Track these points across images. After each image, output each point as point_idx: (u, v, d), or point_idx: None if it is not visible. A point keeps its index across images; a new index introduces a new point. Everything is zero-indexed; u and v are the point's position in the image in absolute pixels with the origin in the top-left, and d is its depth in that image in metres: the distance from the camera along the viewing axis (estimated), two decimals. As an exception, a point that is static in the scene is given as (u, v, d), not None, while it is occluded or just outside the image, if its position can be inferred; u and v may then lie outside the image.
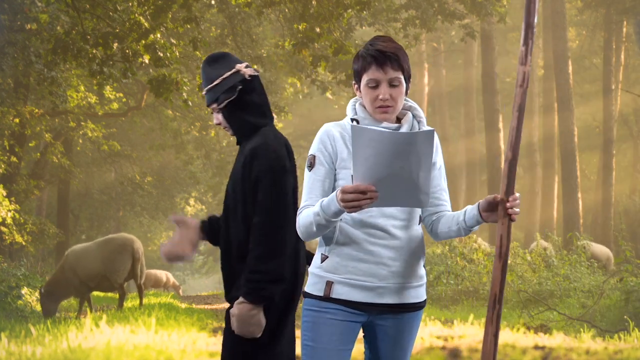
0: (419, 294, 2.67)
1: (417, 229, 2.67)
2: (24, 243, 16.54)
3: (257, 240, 2.88)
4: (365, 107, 2.64)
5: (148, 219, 31.90)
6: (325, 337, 2.59)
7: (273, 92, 20.59)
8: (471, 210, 2.65)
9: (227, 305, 3.06)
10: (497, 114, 23.10)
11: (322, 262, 2.63)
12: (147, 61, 11.86)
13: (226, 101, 3.00)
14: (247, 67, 3.05)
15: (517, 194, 2.62)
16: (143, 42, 11.61)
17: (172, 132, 25.20)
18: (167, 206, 30.75)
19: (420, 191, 2.40)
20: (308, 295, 2.65)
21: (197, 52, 13.02)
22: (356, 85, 2.65)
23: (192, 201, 37.16)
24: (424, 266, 2.71)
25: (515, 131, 2.56)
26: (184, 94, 12.13)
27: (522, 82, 2.53)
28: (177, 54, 12.69)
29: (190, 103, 12.47)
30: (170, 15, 12.38)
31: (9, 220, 13.93)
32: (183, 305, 13.58)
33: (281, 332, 2.99)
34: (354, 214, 2.56)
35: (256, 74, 3.07)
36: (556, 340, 6.76)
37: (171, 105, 16.21)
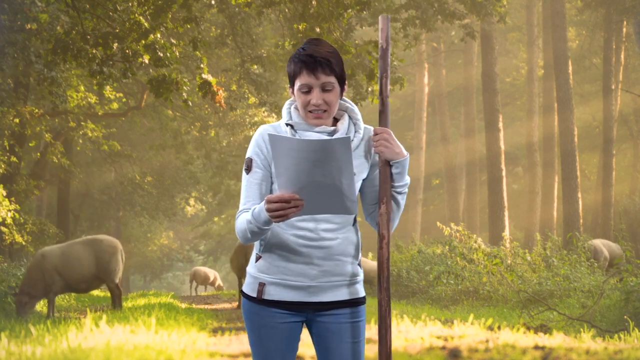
0: (354, 291, 2.68)
1: (352, 230, 2.67)
2: (24, 243, 16.54)
3: None
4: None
5: (148, 219, 31.90)
6: (266, 340, 2.63)
7: (273, 92, 20.58)
8: None
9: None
10: (497, 113, 23.10)
11: (256, 262, 2.66)
12: (147, 61, 11.86)
13: None
14: None
15: (382, 128, 2.61)
16: (143, 42, 11.61)
17: (172, 132, 25.21)
18: (167, 206, 30.75)
19: (345, 197, 2.41)
20: (245, 295, 2.69)
21: (197, 52, 13.01)
22: (291, 89, 2.65)
23: (192, 201, 37.16)
24: (359, 265, 2.72)
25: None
26: (184, 94, 12.12)
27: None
28: (177, 54, 12.69)
29: (190, 103, 12.46)
30: (170, 16, 12.37)
31: (9, 220, 13.93)
32: (183, 305, 13.58)
33: None
34: None
35: None
36: (556, 340, 6.76)
37: (171, 105, 16.21)
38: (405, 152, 2.62)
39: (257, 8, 13.73)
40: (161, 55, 11.63)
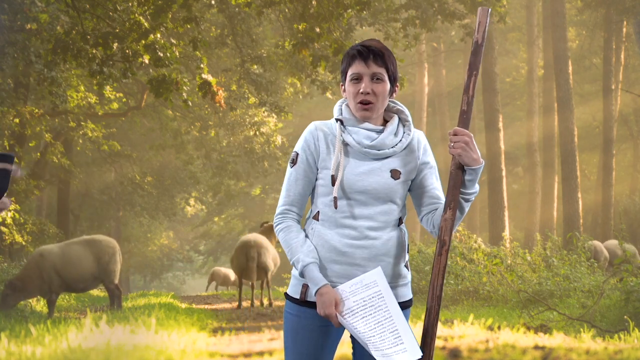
0: (401, 294, 2.65)
1: (396, 230, 2.64)
2: (24, 243, 16.53)
3: None
4: (350, 108, 2.65)
5: (148, 219, 31.90)
6: (303, 343, 2.60)
7: (273, 92, 20.58)
8: None
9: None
10: (497, 113, 23.10)
11: None
12: (147, 61, 11.86)
13: None
14: None
15: (464, 130, 2.56)
16: (143, 42, 11.60)
17: (172, 132, 25.20)
18: (167, 206, 30.74)
19: None
20: (288, 297, 2.66)
21: (197, 52, 13.01)
22: (343, 86, 2.65)
23: (192, 201, 37.15)
24: (405, 266, 2.68)
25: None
26: (184, 94, 12.12)
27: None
28: (177, 54, 12.69)
29: (190, 103, 12.46)
30: (170, 15, 12.37)
31: (9, 220, 13.93)
32: (183, 305, 13.58)
33: None
34: (328, 212, 2.58)
35: None
36: (556, 340, 6.76)
37: (171, 105, 16.21)
38: (482, 159, 2.58)
39: (257, 8, 13.72)
40: (161, 55, 11.63)
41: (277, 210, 2.65)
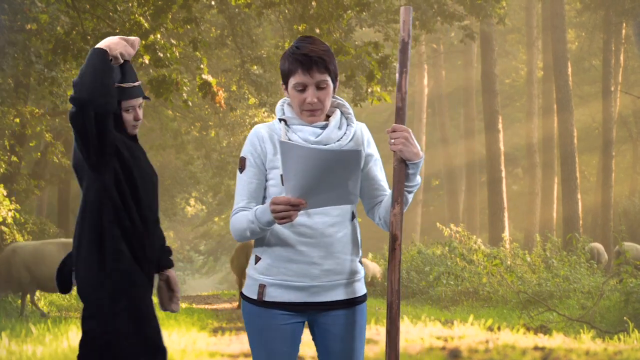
0: (355, 290, 2.68)
1: (350, 226, 2.66)
2: (24, 243, 16.51)
3: None
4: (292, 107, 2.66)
5: (148, 219, 31.85)
6: (269, 343, 2.61)
7: (273, 92, 20.58)
8: None
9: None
10: (497, 115, 23.11)
11: (256, 264, 2.64)
12: (147, 61, 11.86)
13: None
14: None
15: (403, 127, 2.59)
16: (143, 42, 11.61)
17: (172, 132, 25.20)
18: (167, 206, 30.74)
19: (349, 193, 2.45)
20: (245, 297, 2.67)
21: (197, 53, 13.01)
22: (284, 86, 2.66)
23: (192, 201, 37.15)
24: (360, 262, 2.71)
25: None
26: (184, 94, 12.13)
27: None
28: (177, 54, 12.69)
29: (190, 103, 12.47)
30: (170, 16, 12.38)
31: (9, 220, 13.92)
32: (183, 305, 13.59)
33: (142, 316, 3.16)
34: None
35: None
36: (556, 341, 6.77)
37: (171, 105, 16.21)
38: (421, 152, 2.61)
39: (257, 9, 13.73)
40: (161, 55, 11.63)
41: (232, 213, 2.65)
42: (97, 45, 3.19)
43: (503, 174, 22.98)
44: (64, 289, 3.35)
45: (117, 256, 3.18)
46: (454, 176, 30.35)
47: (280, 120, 2.65)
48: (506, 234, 21.14)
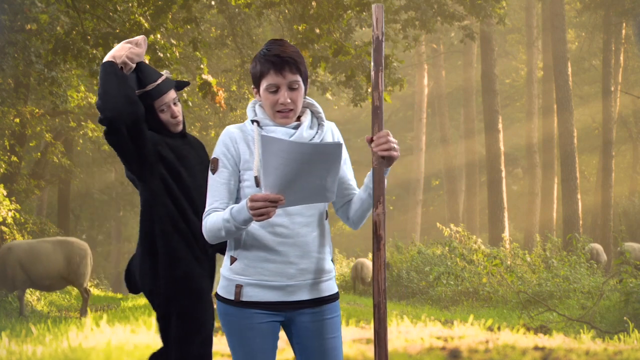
0: (330, 288, 2.71)
1: (323, 225, 2.69)
2: (24, 243, 16.51)
3: None
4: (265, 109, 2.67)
5: (148, 219, 31.84)
6: (248, 343, 2.62)
7: (273, 92, 20.61)
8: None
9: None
10: (497, 115, 23.12)
11: (231, 265, 2.64)
12: (147, 61, 11.86)
13: None
14: None
15: (386, 131, 2.59)
16: (144, 42, 11.59)
17: (172, 133, 25.18)
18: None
19: (326, 190, 2.45)
20: (220, 298, 2.67)
21: (197, 53, 13.02)
22: (255, 89, 2.67)
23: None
24: (331, 260, 2.74)
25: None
26: (184, 94, 12.14)
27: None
28: (177, 54, 12.70)
29: (190, 103, 12.47)
30: (170, 16, 12.38)
31: (9, 220, 13.93)
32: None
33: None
34: None
35: None
36: (556, 341, 6.77)
37: (171, 105, 16.23)
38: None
39: (257, 9, 13.74)
40: (161, 55, 11.63)
41: (204, 214, 2.63)
42: (104, 60, 3.21)
43: (503, 174, 22.99)
44: (133, 290, 3.43)
45: (170, 263, 3.23)
46: (454, 176, 30.36)
47: (252, 121, 2.65)
48: (506, 234, 21.15)
